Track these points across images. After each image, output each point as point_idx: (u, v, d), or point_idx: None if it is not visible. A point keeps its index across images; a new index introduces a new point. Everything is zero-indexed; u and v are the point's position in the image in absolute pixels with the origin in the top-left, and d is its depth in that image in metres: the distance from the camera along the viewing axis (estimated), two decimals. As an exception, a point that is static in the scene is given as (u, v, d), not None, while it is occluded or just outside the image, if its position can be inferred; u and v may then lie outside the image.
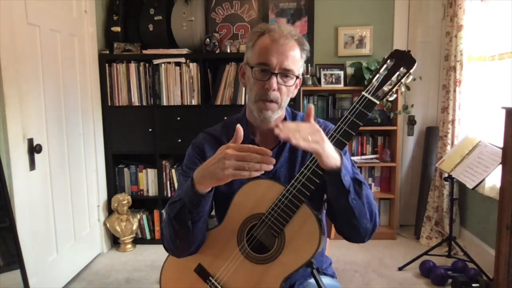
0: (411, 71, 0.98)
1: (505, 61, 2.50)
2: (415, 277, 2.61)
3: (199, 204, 0.98)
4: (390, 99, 1.00)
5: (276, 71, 1.07)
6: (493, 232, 1.93)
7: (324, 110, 3.31)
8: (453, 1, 2.86)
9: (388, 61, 0.99)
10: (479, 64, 2.80)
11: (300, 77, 1.15)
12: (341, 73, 3.21)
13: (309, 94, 3.27)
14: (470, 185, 2.36)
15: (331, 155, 0.93)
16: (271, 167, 0.87)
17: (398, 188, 3.27)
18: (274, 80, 1.07)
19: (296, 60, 1.09)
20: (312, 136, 0.88)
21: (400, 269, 2.69)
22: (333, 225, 1.14)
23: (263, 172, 0.87)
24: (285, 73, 1.08)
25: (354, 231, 1.06)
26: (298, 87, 1.17)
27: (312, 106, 0.97)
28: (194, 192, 0.96)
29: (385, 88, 0.98)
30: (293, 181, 0.99)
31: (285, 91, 1.10)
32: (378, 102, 0.97)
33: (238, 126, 0.93)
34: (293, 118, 1.22)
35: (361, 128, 0.98)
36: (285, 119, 1.20)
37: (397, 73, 0.98)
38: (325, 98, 3.30)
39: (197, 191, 0.96)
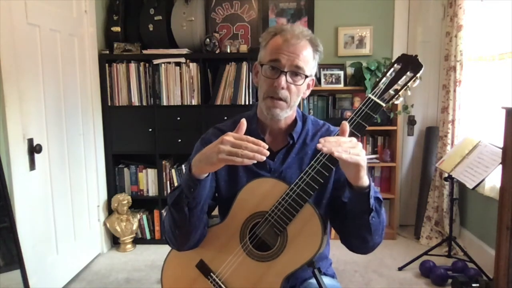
0: (418, 75, 0.99)
1: (505, 61, 2.50)
2: (415, 277, 2.61)
3: (195, 188, 0.99)
4: (396, 102, 1.01)
5: (285, 70, 1.07)
6: (493, 232, 1.93)
7: (324, 110, 3.31)
8: (453, 1, 2.86)
9: (395, 64, 1.01)
10: (479, 64, 2.81)
11: (313, 77, 1.15)
12: (341, 73, 3.22)
13: (309, 94, 3.26)
14: (470, 185, 2.36)
15: (366, 172, 0.95)
16: (264, 158, 0.89)
17: (398, 188, 3.27)
18: (283, 78, 1.07)
19: (307, 59, 1.09)
20: (352, 150, 0.89)
21: (400, 269, 2.69)
22: (339, 235, 1.16)
23: (255, 162, 0.88)
24: (295, 72, 1.08)
25: (364, 245, 1.09)
26: (311, 87, 1.18)
27: (346, 124, 0.94)
28: (190, 177, 0.99)
29: (392, 91, 0.99)
30: (297, 180, 1.00)
31: (294, 91, 1.10)
32: (384, 105, 0.99)
33: (242, 119, 0.96)
34: (303, 120, 1.22)
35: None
36: (295, 120, 1.20)
37: (404, 77, 0.99)
38: (325, 98, 3.30)
39: (193, 176, 0.98)
